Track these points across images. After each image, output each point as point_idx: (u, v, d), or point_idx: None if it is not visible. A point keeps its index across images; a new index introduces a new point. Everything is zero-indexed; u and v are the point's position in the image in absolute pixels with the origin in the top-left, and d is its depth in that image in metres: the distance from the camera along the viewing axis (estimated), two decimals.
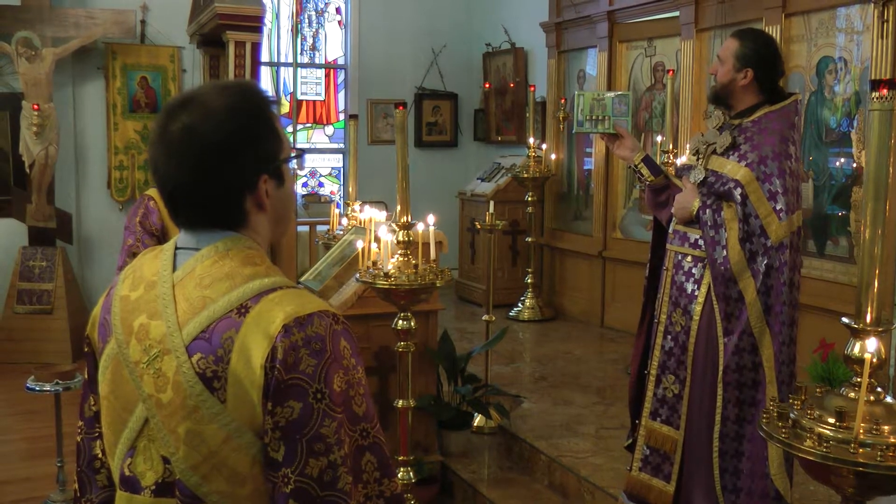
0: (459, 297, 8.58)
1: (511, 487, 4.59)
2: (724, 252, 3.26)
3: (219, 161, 1.44)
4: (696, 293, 3.42)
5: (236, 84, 1.54)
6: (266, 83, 8.90)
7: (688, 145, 3.76)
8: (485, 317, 5.35)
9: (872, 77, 4.66)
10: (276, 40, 9.09)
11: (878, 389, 2.10)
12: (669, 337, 3.51)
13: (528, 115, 7.97)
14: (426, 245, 3.78)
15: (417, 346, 4.35)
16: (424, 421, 4.79)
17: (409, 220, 3.72)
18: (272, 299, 1.41)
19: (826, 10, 5.17)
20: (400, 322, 3.82)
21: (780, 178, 3.24)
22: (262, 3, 6.75)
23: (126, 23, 7.83)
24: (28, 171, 7.50)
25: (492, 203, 5.89)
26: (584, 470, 4.35)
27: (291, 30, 8.20)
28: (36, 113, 7.36)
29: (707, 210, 3.32)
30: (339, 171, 9.57)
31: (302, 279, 5.28)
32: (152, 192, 4.23)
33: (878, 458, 1.95)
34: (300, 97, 9.15)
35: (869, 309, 2.11)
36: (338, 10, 9.46)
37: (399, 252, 3.72)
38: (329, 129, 9.56)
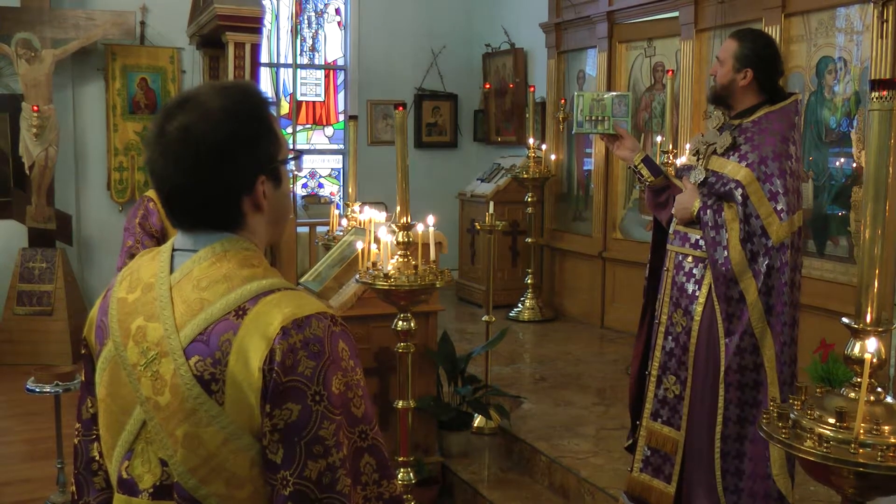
0: (459, 298, 8.57)
1: (511, 488, 4.58)
2: (725, 253, 3.26)
3: (216, 162, 1.44)
4: (696, 294, 3.41)
5: (234, 85, 1.53)
6: (266, 84, 8.90)
7: (687, 146, 3.76)
8: (485, 317, 5.34)
9: (872, 77, 4.66)
10: (275, 41, 9.09)
11: (879, 389, 2.10)
12: (670, 338, 3.51)
13: (527, 115, 7.97)
14: (426, 246, 3.78)
15: (417, 347, 4.35)
16: (424, 422, 4.79)
17: (409, 220, 3.72)
18: (270, 301, 1.41)
19: (826, 11, 5.17)
20: (400, 323, 3.82)
21: (780, 178, 3.23)
22: (262, 4, 6.75)
23: (126, 24, 7.83)
24: (28, 172, 7.50)
25: (491, 204, 5.89)
26: (584, 471, 4.35)
27: (291, 31, 8.20)
28: (36, 114, 7.36)
29: (708, 211, 3.32)
30: (339, 171, 9.57)
31: (302, 280, 5.28)
32: (152, 193, 4.23)
33: (879, 459, 1.95)
34: (300, 98, 9.14)
35: (869, 309, 2.11)
36: (337, 11, 9.46)
37: (399, 253, 3.72)
38: (329, 130, 9.56)
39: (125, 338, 1.48)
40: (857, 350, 2.11)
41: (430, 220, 3.80)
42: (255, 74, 6.45)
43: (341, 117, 9.51)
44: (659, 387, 3.54)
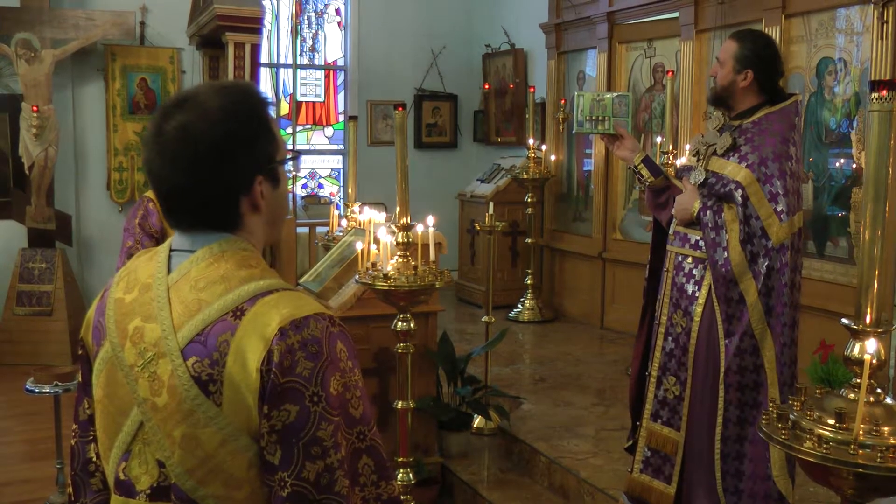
0: (459, 299, 8.57)
1: (511, 489, 4.58)
2: (725, 254, 3.26)
3: (214, 161, 1.43)
4: (696, 294, 3.41)
5: (232, 84, 1.53)
6: (265, 84, 8.90)
7: (687, 146, 3.76)
8: (484, 318, 5.34)
9: (872, 78, 4.66)
10: (275, 42, 9.08)
11: (878, 391, 2.10)
12: (670, 338, 3.50)
13: (527, 116, 7.97)
14: (425, 246, 3.77)
15: (417, 348, 4.35)
16: (424, 422, 4.78)
17: (409, 221, 3.72)
18: (268, 302, 1.40)
19: (826, 11, 5.17)
20: (399, 323, 3.82)
21: (780, 179, 3.23)
22: (262, 4, 6.75)
23: (125, 24, 7.83)
24: (27, 172, 7.50)
25: (491, 204, 5.89)
26: (584, 471, 4.35)
27: (291, 31, 8.20)
28: (35, 115, 7.36)
29: (708, 212, 3.31)
30: (339, 172, 9.57)
31: (301, 280, 5.28)
32: (151, 193, 4.22)
33: (878, 460, 1.95)
34: (300, 98, 9.14)
35: (868, 310, 2.11)
36: (337, 12, 9.46)
37: (398, 253, 3.72)
38: (329, 131, 9.56)
39: (122, 339, 1.47)
40: (856, 351, 2.11)
41: (430, 220, 3.80)
42: (254, 75, 6.45)
43: (341, 118, 9.51)
44: (659, 388, 3.54)
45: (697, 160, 3.48)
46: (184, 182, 1.44)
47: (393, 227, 3.84)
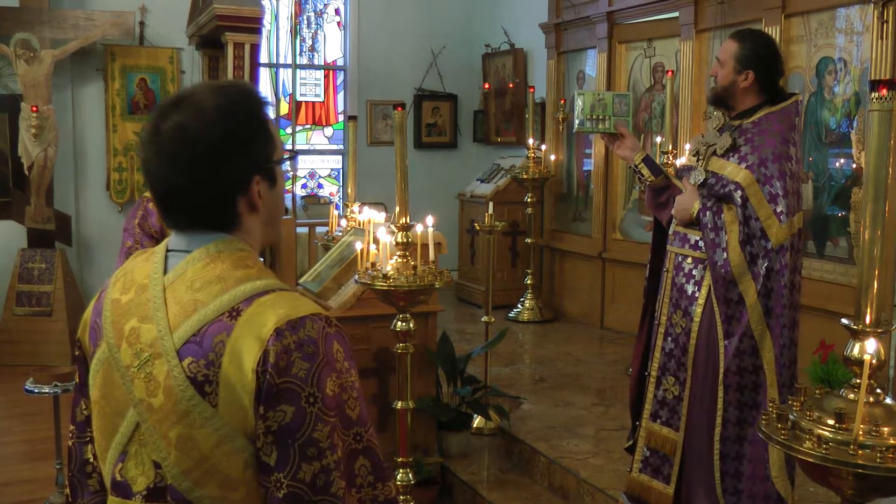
0: (459, 299, 8.57)
1: (511, 489, 4.58)
2: (725, 254, 3.25)
3: (211, 161, 1.43)
4: (696, 295, 3.41)
5: (230, 84, 1.52)
6: (265, 84, 8.89)
7: (687, 146, 3.75)
8: (484, 318, 5.34)
9: (872, 78, 4.66)
10: (275, 41, 9.08)
11: (878, 391, 2.09)
12: (670, 338, 3.50)
13: (527, 116, 7.97)
14: (425, 246, 3.77)
15: (417, 348, 4.35)
16: (424, 422, 4.78)
17: (408, 221, 3.71)
18: (264, 302, 1.40)
19: (826, 11, 5.17)
20: (399, 323, 3.81)
21: (780, 180, 3.22)
22: (261, 4, 6.75)
23: (125, 24, 7.82)
24: (27, 172, 7.50)
25: (491, 204, 5.89)
26: (583, 471, 4.34)
27: (290, 31, 8.19)
28: (35, 115, 7.36)
29: (707, 212, 3.31)
30: (339, 172, 9.57)
31: (301, 281, 5.28)
32: None
33: (878, 460, 1.94)
34: (299, 98, 9.14)
35: (868, 310, 2.11)
36: (337, 12, 9.46)
37: (398, 253, 3.71)
38: (328, 131, 9.56)
39: (119, 339, 1.47)
40: (856, 351, 2.11)
41: (430, 220, 3.80)
42: (254, 75, 6.44)
43: (341, 117, 9.50)
44: (658, 388, 3.54)
45: (697, 160, 3.47)
46: (181, 182, 1.44)
47: (392, 227, 3.84)
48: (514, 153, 8.64)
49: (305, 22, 9.32)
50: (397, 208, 3.76)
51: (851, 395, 2.10)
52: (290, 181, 7.76)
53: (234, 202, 1.47)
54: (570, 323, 7.63)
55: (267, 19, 8.64)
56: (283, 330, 1.36)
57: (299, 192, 9.12)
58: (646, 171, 3.59)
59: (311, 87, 9.42)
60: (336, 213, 6.01)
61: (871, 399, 2.07)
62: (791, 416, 2.14)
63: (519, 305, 7.72)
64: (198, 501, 1.39)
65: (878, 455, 1.95)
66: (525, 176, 7.51)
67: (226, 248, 1.47)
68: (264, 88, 8.81)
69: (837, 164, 5.10)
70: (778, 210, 3.21)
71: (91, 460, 1.62)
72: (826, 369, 2.29)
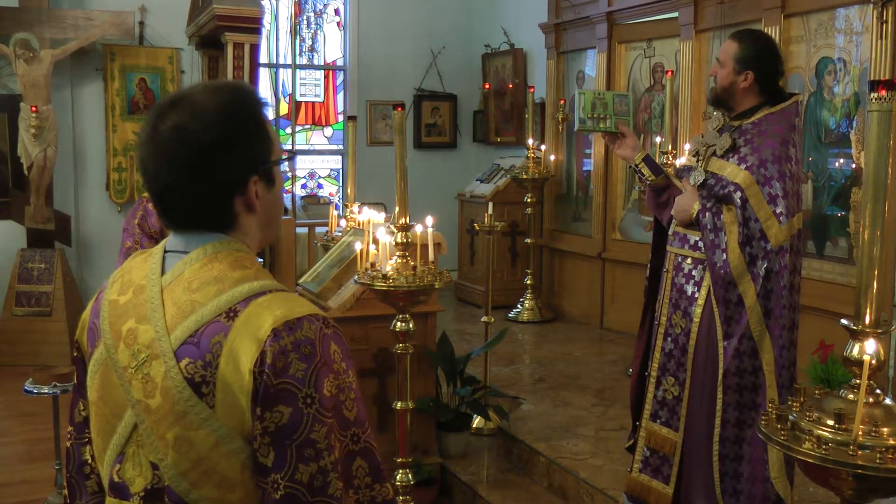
0: (458, 299, 8.57)
1: (510, 489, 4.58)
2: (724, 256, 3.25)
3: (209, 161, 1.42)
4: (696, 295, 3.40)
5: (228, 84, 1.52)
6: (265, 85, 8.89)
7: (687, 146, 3.75)
8: (484, 318, 5.33)
9: (871, 78, 4.65)
10: (274, 42, 9.08)
11: (878, 391, 2.09)
12: (669, 339, 3.50)
13: (527, 116, 7.96)
14: (425, 246, 3.77)
15: (416, 348, 4.35)
16: (423, 423, 4.78)
17: (408, 221, 3.71)
18: (261, 303, 1.40)
19: (825, 11, 5.16)
20: (399, 324, 3.81)
21: (780, 181, 3.22)
22: (261, 4, 6.74)
23: (124, 24, 7.82)
24: (26, 173, 7.50)
25: (491, 204, 5.89)
26: (583, 471, 4.34)
27: (290, 31, 8.18)
28: (34, 115, 7.35)
29: (707, 213, 3.30)
30: (338, 172, 9.57)
31: (300, 281, 5.27)
32: None
33: (878, 461, 1.94)
34: (299, 99, 9.14)
35: (868, 310, 2.10)
36: (336, 12, 9.46)
37: (397, 254, 3.71)
38: (328, 131, 9.55)
39: (116, 340, 1.47)
40: (855, 352, 2.10)
41: (429, 220, 3.80)
42: (254, 75, 6.44)
43: (340, 118, 9.50)
44: (658, 388, 3.54)
45: (697, 161, 3.47)
46: (178, 182, 1.43)
47: (392, 227, 3.83)
48: (513, 153, 8.64)
49: (305, 22, 9.32)
50: (397, 208, 3.76)
51: (851, 396, 2.10)
52: (290, 181, 7.76)
53: (231, 202, 1.47)
54: (569, 323, 7.63)
55: (267, 19, 8.64)
56: (281, 331, 1.36)
57: (299, 192, 9.12)
58: (646, 171, 3.59)
59: (310, 87, 9.42)
60: (336, 213, 6.01)
61: (871, 400, 2.07)
62: (790, 417, 2.14)
63: (518, 306, 7.72)
64: (195, 503, 1.39)
65: (878, 456, 1.94)
66: (525, 176, 7.51)
67: (223, 248, 1.47)
68: (264, 89, 8.81)
69: (837, 164, 5.10)
70: (777, 211, 3.21)
71: (89, 461, 1.61)
72: (825, 369, 2.30)
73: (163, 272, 1.47)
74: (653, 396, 3.56)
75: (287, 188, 7.44)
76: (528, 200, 7.56)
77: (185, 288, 1.43)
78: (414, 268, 3.67)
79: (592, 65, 7.52)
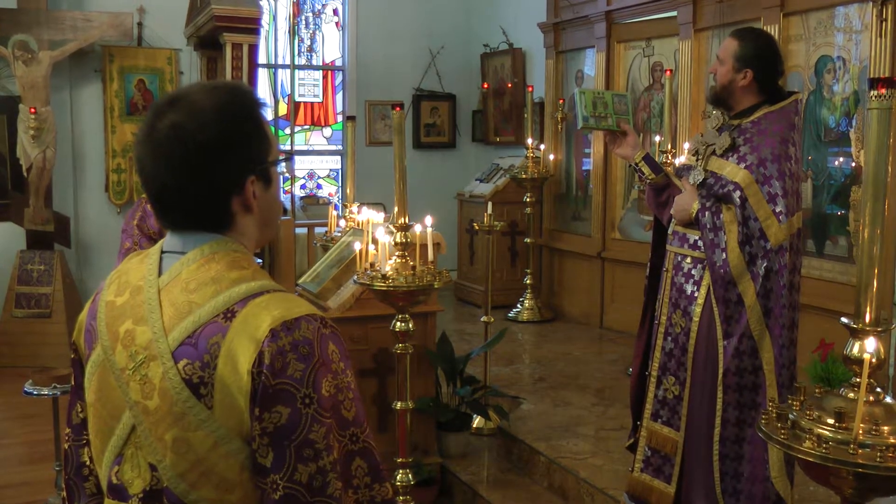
0: (458, 299, 8.56)
1: (510, 489, 4.57)
2: (724, 255, 3.24)
3: (206, 161, 1.42)
4: (695, 294, 3.40)
5: (225, 84, 1.52)
6: (263, 85, 8.89)
7: (686, 145, 3.74)
8: (483, 318, 5.33)
9: (871, 76, 4.65)
10: (273, 42, 9.08)
11: (878, 390, 2.09)
12: (669, 338, 3.49)
13: (526, 115, 7.96)
14: (424, 246, 3.77)
15: (416, 348, 4.35)
16: (423, 423, 4.78)
17: (407, 221, 3.71)
18: (259, 303, 1.39)
19: (824, 10, 5.16)
20: (398, 324, 3.81)
21: (779, 180, 3.21)
22: (259, 4, 6.74)
23: (123, 25, 7.82)
24: (26, 174, 7.50)
25: (490, 204, 5.88)
26: (583, 471, 4.34)
27: (289, 31, 8.18)
28: (33, 116, 7.35)
29: (706, 212, 3.30)
30: (338, 172, 9.56)
31: (300, 281, 5.27)
32: None
33: (878, 459, 1.94)
34: (298, 99, 9.13)
35: (868, 309, 2.10)
36: (335, 12, 9.45)
37: (397, 254, 3.71)
38: (327, 131, 9.55)
39: (114, 341, 1.46)
40: (856, 350, 2.10)
41: (429, 220, 3.79)
42: (252, 75, 6.44)
43: (339, 118, 9.50)
44: (659, 387, 3.53)
45: (696, 160, 3.46)
46: (175, 181, 1.43)
47: (391, 227, 3.83)
48: (512, 153, 8.64)
49: (304, 22, 9.32)
50: (396, 208, 3.75)
51: (851, 395, 2.09)
52: (289, 182, 7.75)
53: (228, 202, 1.46)
54: (569, 323, 7.63)
55: (265, 20, 8.64)
56: (279, 331, 1.36)
57: (298, 192, 9.12)
58: (646, 170, 3.58)
59: (309, 87, 9.41)
60: (335, 213, 6.00)
61: (871, 398, 2.06)
62: (791, 416, 2.14)
63: (518, 305, 7.72)
64: None
65: (878, 454, 1.94)
66: (524, 176, 7.50)
67: (220, 248, 1.46)
68: (262, 89, 8.81)
69: (837, 162, 5.09)
70: (777, 210, 3.20)
71: (87, 463, 1.61)
72: (826, 368, 2.29)
73: (160, 273, 1.47)
74: (654, 396, 3.55)
75: (286, 189, 7.44)
76: (528, 200, 7.56)
77: (183, 289, 1.43)
78: (413, 268, 3.67)
79: (591, 64, 7.52)
